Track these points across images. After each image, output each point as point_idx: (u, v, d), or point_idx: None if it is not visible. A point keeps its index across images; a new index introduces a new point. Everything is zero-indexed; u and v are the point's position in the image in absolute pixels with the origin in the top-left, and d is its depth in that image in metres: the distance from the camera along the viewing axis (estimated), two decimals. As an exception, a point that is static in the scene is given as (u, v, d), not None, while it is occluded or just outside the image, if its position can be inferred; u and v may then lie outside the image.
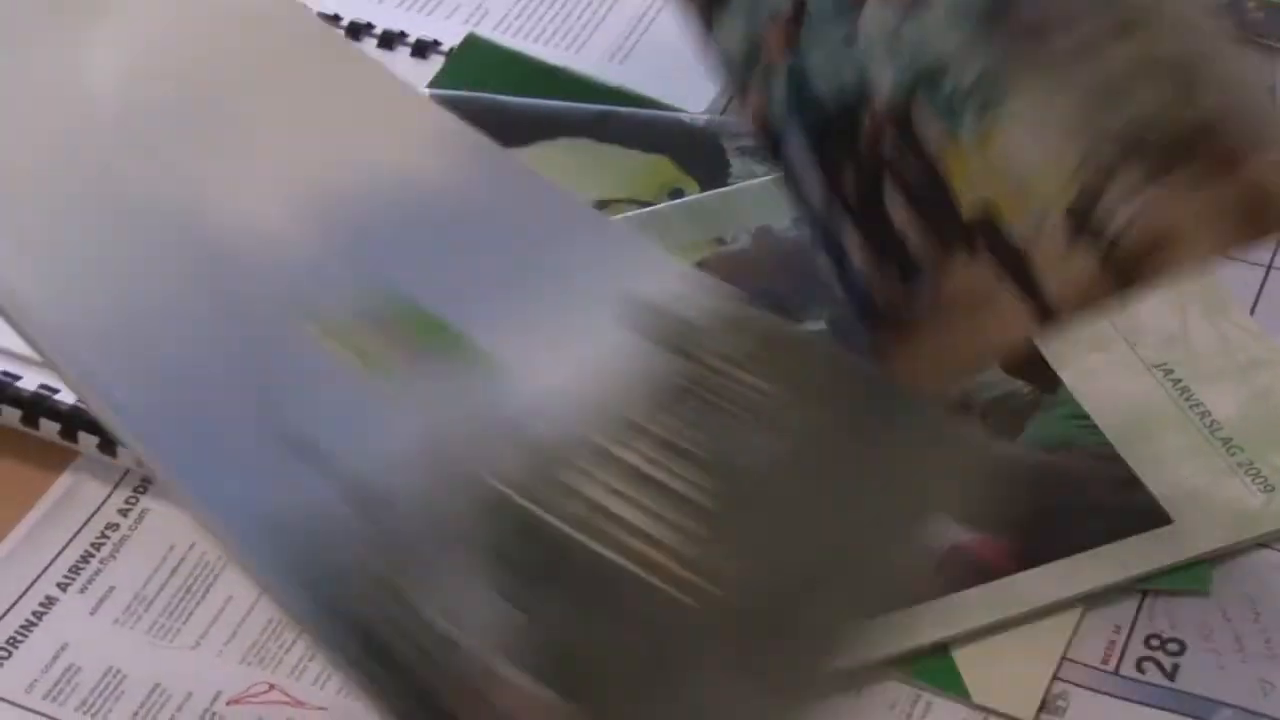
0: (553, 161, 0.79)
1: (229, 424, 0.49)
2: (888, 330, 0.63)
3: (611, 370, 0.50)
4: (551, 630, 0.47)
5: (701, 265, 0.75)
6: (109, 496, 0.68)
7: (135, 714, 0.62)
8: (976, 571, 0.66)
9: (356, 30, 0.83)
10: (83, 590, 0.66)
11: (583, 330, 0.51)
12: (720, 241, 0.76)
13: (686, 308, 0.51)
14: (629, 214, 0.77)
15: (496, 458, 0.48)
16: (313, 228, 0.52)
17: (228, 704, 0.63)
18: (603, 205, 0.78)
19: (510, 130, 0.79)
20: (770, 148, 0.66)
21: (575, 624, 0.47)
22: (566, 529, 0.48)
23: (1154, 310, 0.73)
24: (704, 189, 0.78)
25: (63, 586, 0.66)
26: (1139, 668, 0.64)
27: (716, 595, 0.48)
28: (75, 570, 0.67)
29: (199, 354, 0.51)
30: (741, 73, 0.67)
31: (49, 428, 0.68)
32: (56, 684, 0.63)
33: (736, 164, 0.79)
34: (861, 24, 0.60)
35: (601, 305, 0.51)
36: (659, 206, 0.77)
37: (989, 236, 0.59)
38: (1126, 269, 0.58)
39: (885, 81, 0.60)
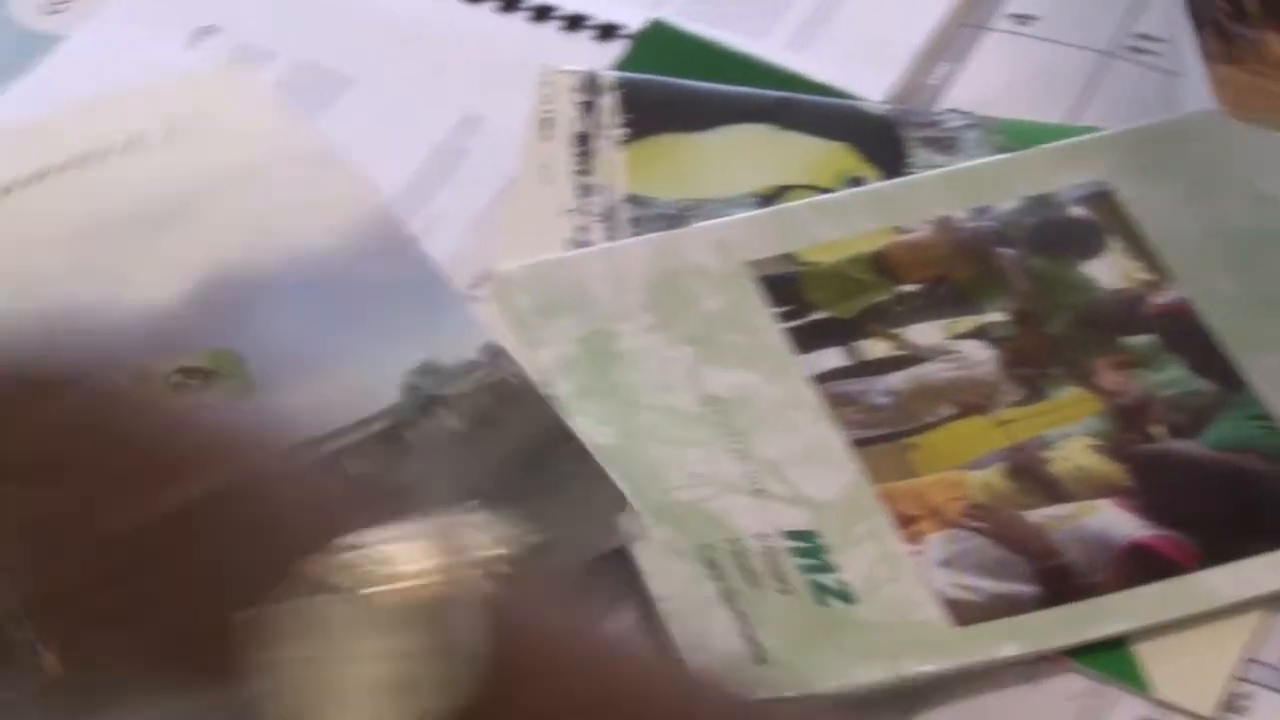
0: (733, 147, 0.79)
1: None
2: (1214, 43, 0.66)
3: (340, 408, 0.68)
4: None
5: (880, 253, 0.75)
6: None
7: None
8: (1158, 568, 0.65)
9: (541, 13, 0.84)
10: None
11: (349, 377, 0.69)
12: (899, 230, 0.76)
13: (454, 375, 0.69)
14: (809, 200, 0.77)
15: None
16: (195, 299, 0.72)
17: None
18: (781, 191, 0.78)
19: (691, 114, 0.79)
20: None
21: None
22: None
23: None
24: (883, 179, 0.78)
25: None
26: (1326, 671, 0.64)
27: None
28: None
29: None
30: None
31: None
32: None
33: (917, 154, 0.78)
34: None
35: (380, 362, 0.70)
36: (838, 193, 0.77)
37: None
38: None
39: None
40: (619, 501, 0.66)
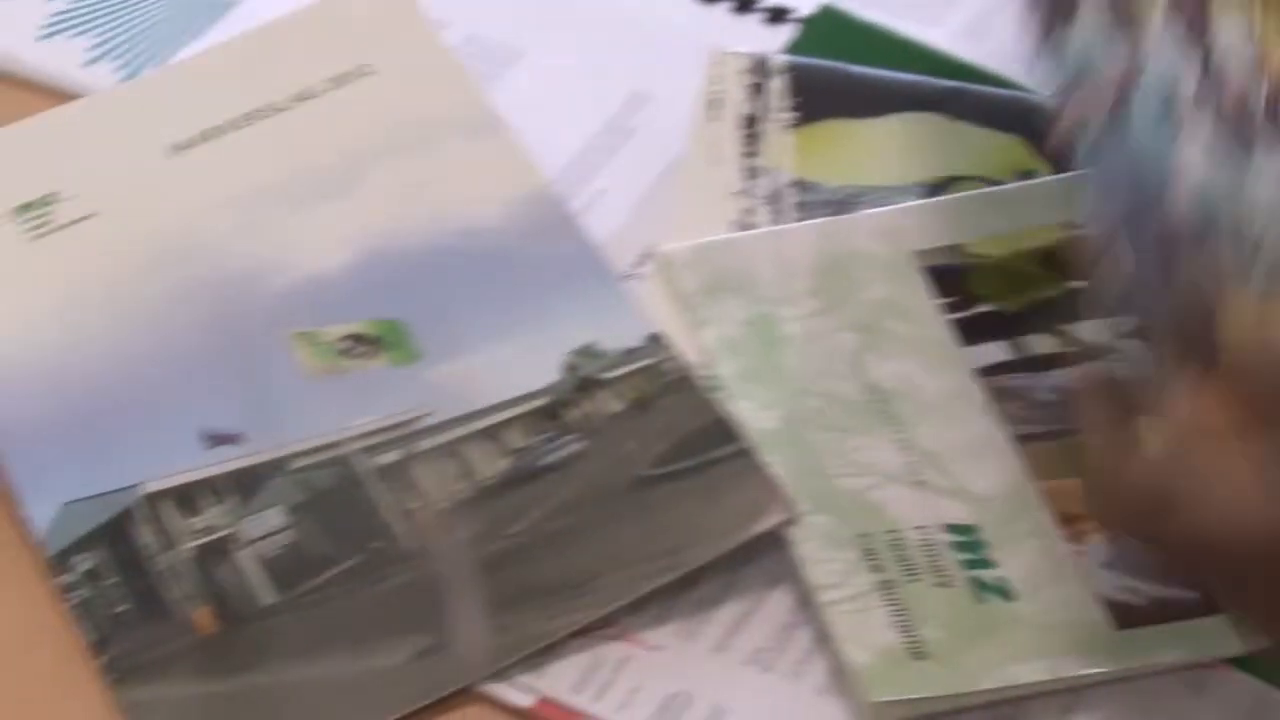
0: (902, 135, 0.78)
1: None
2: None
3: (501, 382, 0.69)
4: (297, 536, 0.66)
5: (1050, 248, 0.74)
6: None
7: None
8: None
9: (711, -6, 0.83)
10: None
11: (511, 353, 0.70)
12: (1070, 226, 0.74)
13: (614, 360, 0.70)
14: (980, 191, 0.76)
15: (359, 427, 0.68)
16: (361, 267, 0.72)
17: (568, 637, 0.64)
18: (949, 181, 0.77)
19: (860, 101, 0.79)
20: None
21: (315, 538, 0.66)
22: (362, 477, 0.67)
23: None
24: (1055, 173, 0.76)
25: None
26: None
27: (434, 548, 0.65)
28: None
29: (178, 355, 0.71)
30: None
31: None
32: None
33: (1089, 149, 0.77)
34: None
35: (542, 341, 0.70)
36: (1009, 186, 0.76)
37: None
38: None
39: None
40: (773, 488, 0.66)
